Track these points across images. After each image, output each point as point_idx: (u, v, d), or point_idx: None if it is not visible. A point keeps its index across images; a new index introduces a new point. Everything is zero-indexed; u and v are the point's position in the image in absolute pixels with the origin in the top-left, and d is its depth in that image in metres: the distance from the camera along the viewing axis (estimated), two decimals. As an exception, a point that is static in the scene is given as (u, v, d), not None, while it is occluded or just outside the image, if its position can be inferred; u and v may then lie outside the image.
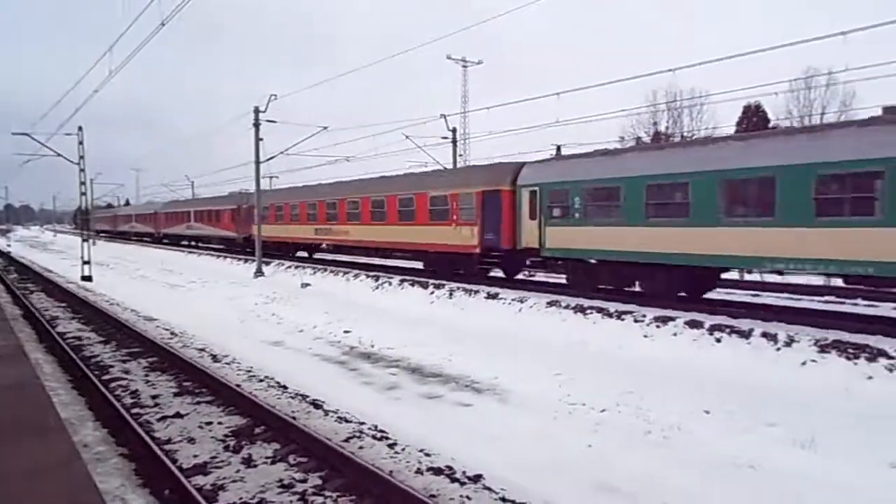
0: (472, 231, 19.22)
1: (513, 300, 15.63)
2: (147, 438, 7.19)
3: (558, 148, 22.69)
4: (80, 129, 27.97)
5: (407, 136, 30.25)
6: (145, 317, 17.25)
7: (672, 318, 12.13)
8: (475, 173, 20.65)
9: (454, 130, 31.33)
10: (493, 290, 17.00)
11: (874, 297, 15.94)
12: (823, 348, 9.84)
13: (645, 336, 12.06)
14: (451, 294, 17.55)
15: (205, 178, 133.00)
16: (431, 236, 21.15)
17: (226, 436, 7.61)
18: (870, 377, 9.00)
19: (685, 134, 44.95)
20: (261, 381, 10.33)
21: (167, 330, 15.18)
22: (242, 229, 37.32)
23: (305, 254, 33.82)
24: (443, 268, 20.88)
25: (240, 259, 33.79)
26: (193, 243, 48.09)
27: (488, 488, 6.02)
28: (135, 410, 8.62)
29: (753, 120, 40.43)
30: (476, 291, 17.04)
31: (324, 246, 32.44)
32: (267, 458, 6.90)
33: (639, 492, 6.03)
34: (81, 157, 28.52)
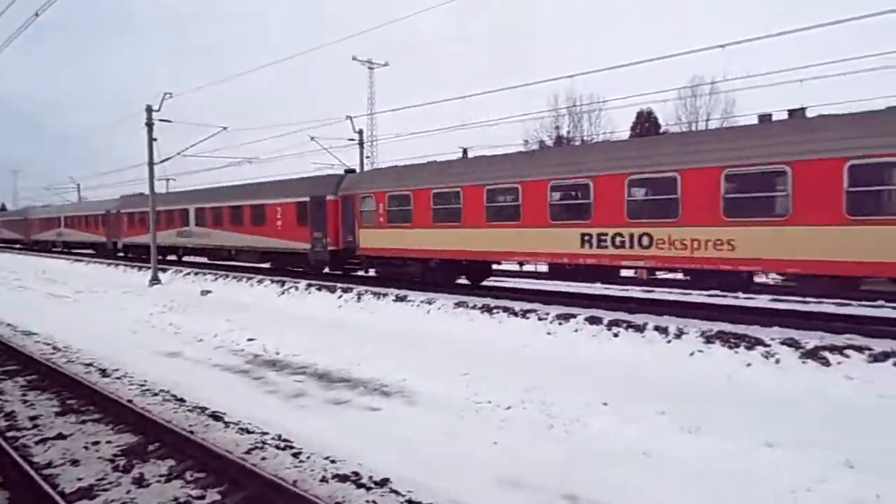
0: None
1: (421, 302, 15.67)
2: (23, 463, 6.59)
3: (464, 151, 22.95)
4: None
5: (312, 138, 29.67)
6: (23, 331, 15.85)
7: (574, 315, 12.60)
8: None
9: (361, 132, 31.05)
10: (402, 292, 16.98)
11: (754, 290, 17.22)
12: (709, 339, 10.56)
13: (548, 333, 12.44)
14: (359, 297, 17.36)
15: (92, 180, 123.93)
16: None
17: (115, 455, 7.12)
18: (748, 364, 9.74)
19: (585, 138, 46.94)
20: (155, 395, 9.76)
21: (49, 345, 14.02)
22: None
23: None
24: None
25: (134, 266, 31.80)
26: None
27: (395, 491, 5.99)
28: (10, 434, 7.89)
29: (646, 125, 42.87)
30: (384, 294, 16.95)
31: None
32: (161, 476, 6.52)
33: (543, 484, 6.22)
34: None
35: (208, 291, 22.53)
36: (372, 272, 21.56)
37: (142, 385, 10.40)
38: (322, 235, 21.52)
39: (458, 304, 14.84)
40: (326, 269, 22.94)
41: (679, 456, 6.84)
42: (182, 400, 9.39)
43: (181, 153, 28.15)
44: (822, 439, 6.85)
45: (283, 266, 24.46)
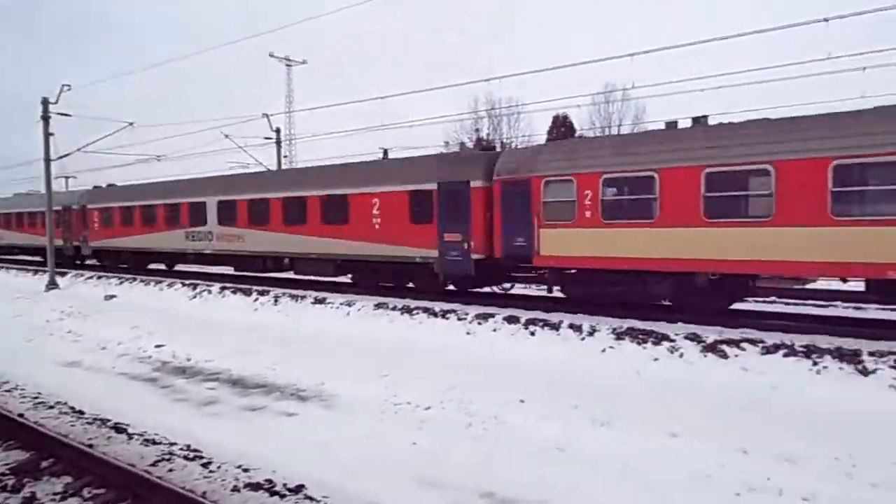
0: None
1: (340, 304, 15.45)
2: None
3: (385, 151, 22.87)
4: None
5: (226, 136, 28.64)
6: None
7: (492, 315, 12.79)
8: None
9: (278, 131, 30.27)
10: (321, 294, 16.68)
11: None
12: (619, 336, 11.00)
13: (468, 333, 12.57)
14: (276, 300, 16.89)
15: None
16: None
17: (2, 475, 6.57)
18: (656, 359, 10.23)
19: (504, 141, 47.85)
20: (50, 407, 9.10)
21: (-73, 356, 12.78)
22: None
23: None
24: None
25: (28, 269, 29.54)
26: None
27: (310, 497, 5.87)
28: None
29: (562, 130, 44.22)
30: (302, 297, 16.59)
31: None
32: (55, 494, 6.08)
33: (461, 483, 6.26)
34: None
35: (113, 296, 21.24)
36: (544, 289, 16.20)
37: (35, 398, 9.67)
38: (461, 238, 15.21)
39: (378, 306, 14.73)
40: (452, 286, 16.99)
41: (591, 448, 7.08)
42: (81, 412, 8.80)
43: (81, 149, 26.37)
44: (721, 428, 7.29)
45: (377, 281, 17.90)
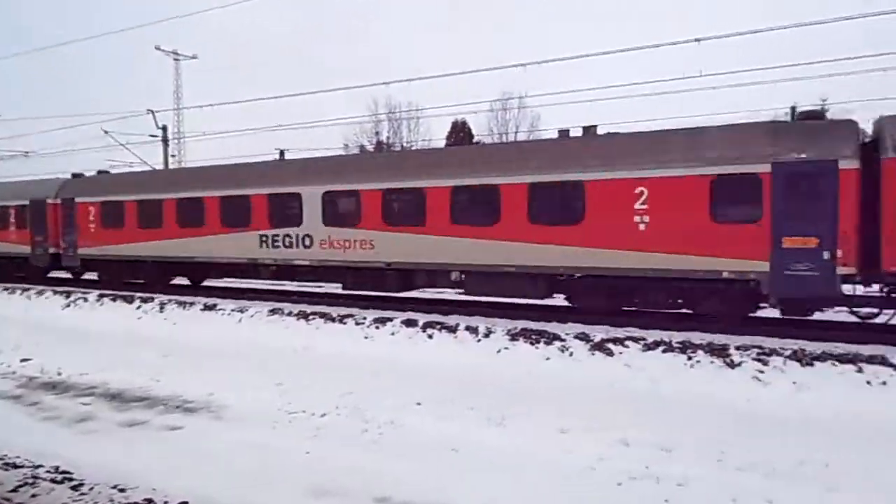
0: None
1: (232, 310, 14.82)
2: None
3: (281, 152, 22.18)
4: None
5: (106, 132, 26.72)
6: None
7: (390, 319, 12.76)
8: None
9: (164, 128, 28.63)
10: (211, 300, 15.92)
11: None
12: (514, 336, 11.31)
13: (366, 337, 12.45)
14: (161, 307, 15.93)
15: None
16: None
17: None
18: (547, 358, 10.61)
19: (404, 144, 48.03)
20: None
21: None
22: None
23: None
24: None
25: None
26: None
27: (194, 515, 5.57)
28: None
29: (461, 135, 45.00)
30: (191, 304, 15.76)
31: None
32: None
33: (356, 490, 6.17)
34: None
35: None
36: None
37: None
38: (818, 244, 10.73)
39: (273, 311, 14.28)
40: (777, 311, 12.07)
41: (486, 447, 7.22)
42: (-74, 437, 7.85)
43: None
44: (606, 422, 7.68)
45: (620, 305, 13.02)
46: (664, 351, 10.05)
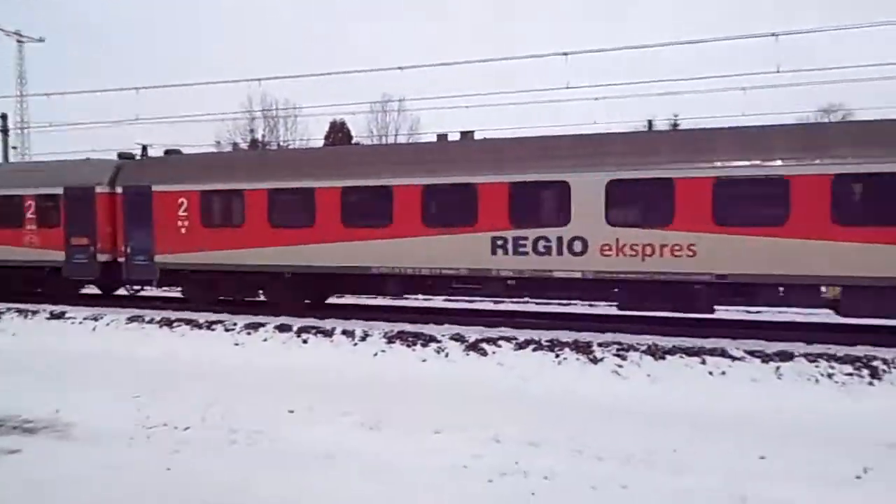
0: None
1: (85, 318, 13.57)
2: None
3: (144, 147, 20.63)
4: None
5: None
6: None
7: (263, 324, 12.30)
8: None
9: (5, 116, 25.66)
10: (59, 308, 14.47)
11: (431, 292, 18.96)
12: (391, 339, 11.32)
13: (236, 344, 11.92)
14: (-2, 316, 14.25)
15: None
16: None
17: None
18: (424, 360, 10.72)
19: (281, 143, 46.54)
20: None
21: None
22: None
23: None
24: None
25: None
26: None
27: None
28: None
29: (339, 135, 44.42)
30: (35, 312, 14.24)
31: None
32: None
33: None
34: None
35: None
36: None
37: None
38: None
39: (133, 319, 13.25)
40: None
41: (361, 453, 7.12)
42: None
43: None
44: (479, 421, 7.86)
45: None
46: (534, 349, 10.50)
